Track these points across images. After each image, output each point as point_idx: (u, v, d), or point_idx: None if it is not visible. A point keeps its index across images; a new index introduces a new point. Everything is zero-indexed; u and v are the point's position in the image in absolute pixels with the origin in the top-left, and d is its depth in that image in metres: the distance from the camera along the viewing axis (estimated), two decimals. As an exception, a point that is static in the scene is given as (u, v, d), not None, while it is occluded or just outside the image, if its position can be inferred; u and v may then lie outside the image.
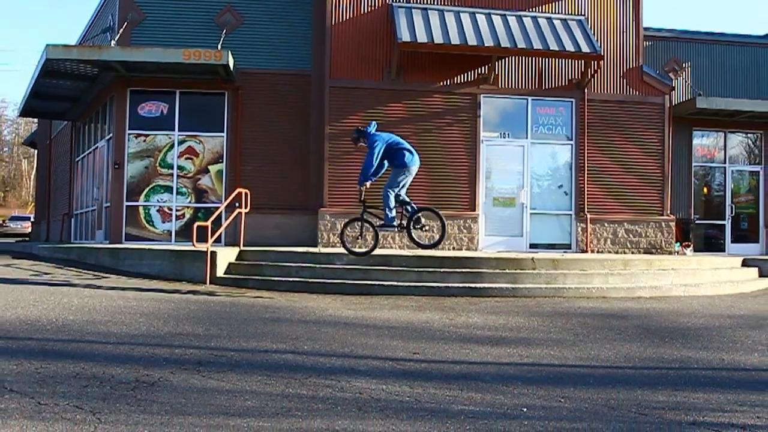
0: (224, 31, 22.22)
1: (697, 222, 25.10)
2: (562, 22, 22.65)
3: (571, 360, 9.65)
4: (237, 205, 19.44)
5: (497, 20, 22.21)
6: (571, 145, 23.00)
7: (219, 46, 21.34)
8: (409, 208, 14.84)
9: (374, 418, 6.83)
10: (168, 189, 21.70)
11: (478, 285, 16.15)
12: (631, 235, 22.90)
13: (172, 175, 21.74)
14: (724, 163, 26.14)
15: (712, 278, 18.53)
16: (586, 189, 22.79)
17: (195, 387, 7.59)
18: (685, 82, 25.55)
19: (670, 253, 22.71)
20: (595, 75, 22.81)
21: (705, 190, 26.22)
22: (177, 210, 21.69)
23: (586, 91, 22.90)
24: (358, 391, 7.72)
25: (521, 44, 21.67)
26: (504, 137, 22.82)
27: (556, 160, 23.17)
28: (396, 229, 14.91)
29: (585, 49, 21.87)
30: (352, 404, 7.24)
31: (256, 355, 9.43)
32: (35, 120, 44.13)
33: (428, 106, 22.12)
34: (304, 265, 17.28)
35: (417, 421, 6.78)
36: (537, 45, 21.75)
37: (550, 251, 21.83)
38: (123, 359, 8.83)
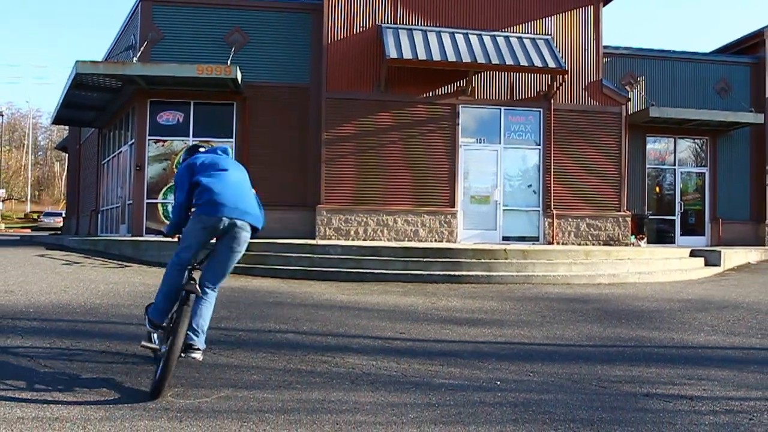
0: (233, 49, 22.17)
1: (650, 217, 25.22)
2: (531, 41, 22.67)
3: (539, 339, 9.66)
4: None
5: (474, 39, 22.22)
6: (539, 149, 23.03)
7: (228, 62, 21.30)
8: None
9: (365, 390, 6.82)
10: (183, 188, 21.62)
11: (457, 273, 16.13)
12: (592, 229, 22.96)
13: (187, 176, 21.68)
14: (674, 165, 26.29)
15: (663, 267, 18.59)
16: (552, 188, 22.86)
17: (207, 363, 7.58)
18: (640, 93, 25.60)
19: (627, 244, 22.74)
20: (560, 87, 22.83)
21: (657, 189, 26.30)
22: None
23: (552, 101, 22.94)
24: (351, 367, 7.71)
25: (495, 60, 21.64)
26: (480, 143, 22.85)
27: (526, 162, 23.17)
28: None
29: (551, 64, 21.89)
30: (346, 378, 7.23)
31: (261, 334, 9.42)
32: (66, 127, 43.95)
33: (413, 115, 22.12)
34: (303, 255, 17.24)
35: (403, 393, 6.77)
36: (509, 61, 21.74)
37: (521, 243, 21.91)
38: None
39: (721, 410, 6.48)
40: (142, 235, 21.41)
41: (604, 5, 23.72)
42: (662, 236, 25.66)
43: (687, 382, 7.48)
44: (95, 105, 25.31)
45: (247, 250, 17.28)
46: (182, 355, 6.38)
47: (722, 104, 26.11)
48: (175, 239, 7.42)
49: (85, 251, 20.41)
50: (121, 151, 24.96)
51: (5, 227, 66.56)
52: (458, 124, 22.52)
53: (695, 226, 26.29)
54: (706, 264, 20.09)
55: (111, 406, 5.99)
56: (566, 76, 22.64)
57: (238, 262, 7.08)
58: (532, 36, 22.96)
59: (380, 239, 21.16)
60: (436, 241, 21.82)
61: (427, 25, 22.38)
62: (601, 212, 23.14)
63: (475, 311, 12.04)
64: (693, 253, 20.86)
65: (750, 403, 6.74)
